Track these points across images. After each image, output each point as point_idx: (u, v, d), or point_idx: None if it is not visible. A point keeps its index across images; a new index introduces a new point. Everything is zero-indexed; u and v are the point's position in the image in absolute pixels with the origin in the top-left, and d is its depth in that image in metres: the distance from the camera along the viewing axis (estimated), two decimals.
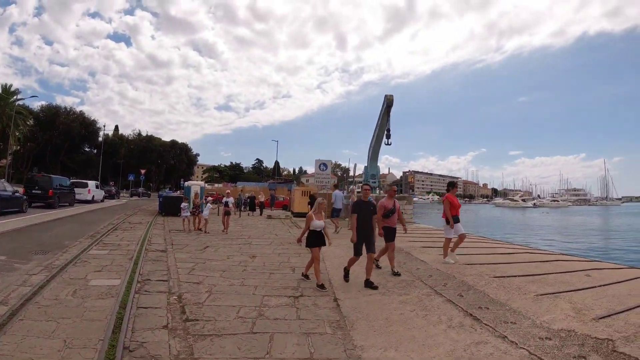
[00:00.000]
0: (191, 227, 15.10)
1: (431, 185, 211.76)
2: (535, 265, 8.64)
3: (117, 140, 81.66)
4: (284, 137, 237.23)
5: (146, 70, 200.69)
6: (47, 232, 12.85)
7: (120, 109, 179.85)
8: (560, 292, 6.09)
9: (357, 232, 6.85)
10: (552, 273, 7.66)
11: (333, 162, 26.84)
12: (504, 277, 7.20)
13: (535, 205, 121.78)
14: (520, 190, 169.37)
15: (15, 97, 50.18)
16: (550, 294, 6.02)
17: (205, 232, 14.41)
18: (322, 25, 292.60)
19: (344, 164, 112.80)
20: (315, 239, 6.87)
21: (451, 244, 8.85)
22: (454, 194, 8.94)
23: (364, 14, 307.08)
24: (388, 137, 24.15)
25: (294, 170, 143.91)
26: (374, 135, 25.88)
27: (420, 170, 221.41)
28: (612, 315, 4.95)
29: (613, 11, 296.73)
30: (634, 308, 5.24)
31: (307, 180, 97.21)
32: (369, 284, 6.71)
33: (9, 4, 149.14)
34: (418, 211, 41.21)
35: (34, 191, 22.06)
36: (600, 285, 6.62)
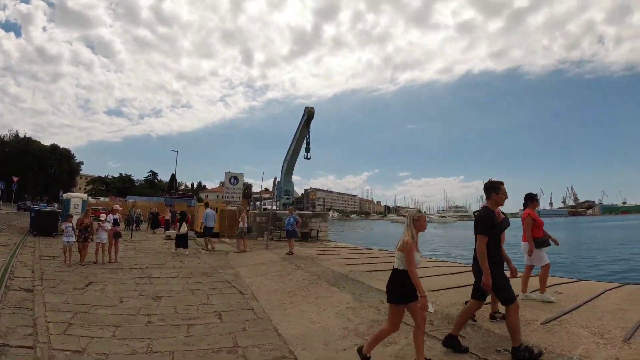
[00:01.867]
0: (71, 259, 10.48)
1: (331, 203, 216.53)
2: None
3: None
4: (182, 149, 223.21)
5: (32, 65, 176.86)
6: None
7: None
8: (560, 317, 5.37)
9: None
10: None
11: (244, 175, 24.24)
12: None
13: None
14: (410, 208, 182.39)
15: None
16: (553, 319, 5.24)
17: (82, 263, 10.30)
18: (230, 38, 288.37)
19: (246, 180, 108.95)
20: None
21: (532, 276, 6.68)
22: (535, 209, 6.55)
23: (271, 34, 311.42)
24: (307, 150, 22.68)
25: (192, 185, 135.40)
26: (290, 148, 24.21)
27: (320, 188, 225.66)
28: (635, 333, 4.56)
29: (498, 53, 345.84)
30: None
31: (207, 196, 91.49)
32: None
33: None
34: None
35: None
36: (585, 302, 6.09)
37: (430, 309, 4.93)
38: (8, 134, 78.48)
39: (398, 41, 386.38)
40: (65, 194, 22.83)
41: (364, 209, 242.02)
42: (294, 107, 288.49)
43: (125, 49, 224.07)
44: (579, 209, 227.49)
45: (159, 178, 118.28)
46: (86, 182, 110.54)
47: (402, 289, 3.78)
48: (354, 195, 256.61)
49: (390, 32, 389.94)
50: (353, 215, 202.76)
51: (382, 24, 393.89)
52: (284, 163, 24.87)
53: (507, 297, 4.09)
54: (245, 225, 15.27)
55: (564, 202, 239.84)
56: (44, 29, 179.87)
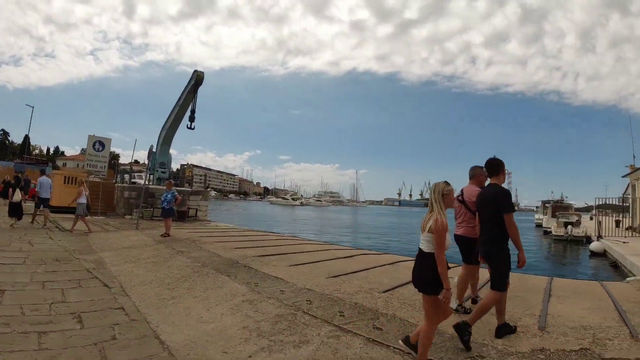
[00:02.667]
0: None
1: (209, 181, 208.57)
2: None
3: None
4: (39, 106, 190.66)
5: None
6: None
7: None
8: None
9: None
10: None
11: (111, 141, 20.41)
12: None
13: (302, 204, 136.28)
14: (289, 190, 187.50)
15: None
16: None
17: None
18: None
19: (113, 149, 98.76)
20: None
21: None
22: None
23: None
24: (192, 119, 20.64)
25: (48, 150, 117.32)
26: (170, 115, 21.81)
27: (198, 165, 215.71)
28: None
29: (382, 56, 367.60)
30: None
31: (65, 164, 79.98)
32: None
33: None
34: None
35: None
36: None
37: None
38: None
39: (294, 26, 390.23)
40: None
41: (243, 189, 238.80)
42: (176, 73, 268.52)
43: None
44: None
45: (10, 139, 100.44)
46: None
47: (436, 275, 3.19)
48: (234, 175, 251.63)
49: (288, 14, 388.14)
50: (231, 195, 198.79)
51: (282, 4, 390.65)
52: (161, 131, 22.39)
53: (503, 284, 4.02)
54: (85, 200, 12.71)
55: (421, 194, 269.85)
56: None
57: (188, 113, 20.74)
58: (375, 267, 8.14)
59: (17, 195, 12.74)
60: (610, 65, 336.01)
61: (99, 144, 18.90)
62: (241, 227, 20.91)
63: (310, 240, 17.24)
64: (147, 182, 24.30)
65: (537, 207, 68.02)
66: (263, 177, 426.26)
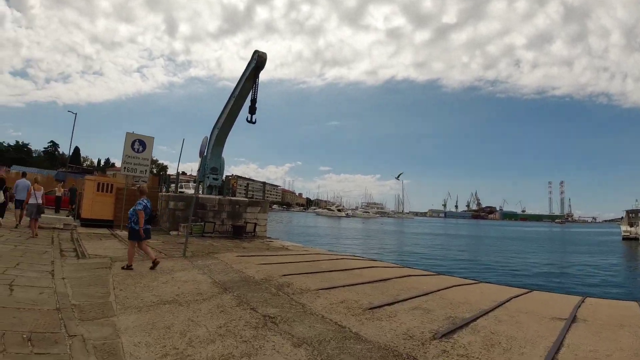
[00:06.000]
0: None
1: (252, 192, 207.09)
2: None
3: None
4: (90, 121, 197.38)
5: None
6: None
7: None
8: None
9: None
10: None
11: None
12: None
13: (348, 215, 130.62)
14: (331, 201, 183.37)
15: None
16: None
17: None
18: (154, 3, 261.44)
19: (160, 160, 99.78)
20: None
21: None
22: None
23: (200, 6, 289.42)
24: (252, 111, 16.55)
25: (99, 162, 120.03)
26: (224, 111, 17.89)
27: (241, 175, 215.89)
28: None
29: (421, 63, 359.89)
30: None
31: (114, 175, 79.71)
32: None
33: None
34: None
35: None
36: None
37: None
38: None
39: (330, 36, 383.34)
40: None
41: (286, 200, 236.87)
42: (218, 88, 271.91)
43: (40, 2, 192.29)
44: (481, 212, 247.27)
45: (60, 150, 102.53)
46: None
47: None
48: (277, 186, 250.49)
49: (323, 25, 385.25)
50: (274, 206, 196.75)
51: (317, 16, 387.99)
52: (213, 130, 18.52)
53: None
54: (36, 201, 11.58)
55: (468, 205, 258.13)
56: None
57: (247, 104, 16.71)
58: None
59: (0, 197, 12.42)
60: None
61: (139, 143, 15.15)
62: (308, 245, 16.56)
63: (435, 272, 12.19)
64: (197, 192, 20.60)
65: (621, 217, 59.07)
66: (304, 188, 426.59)
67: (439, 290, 6.92)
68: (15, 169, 40.44)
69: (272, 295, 5.90)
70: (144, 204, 7.60)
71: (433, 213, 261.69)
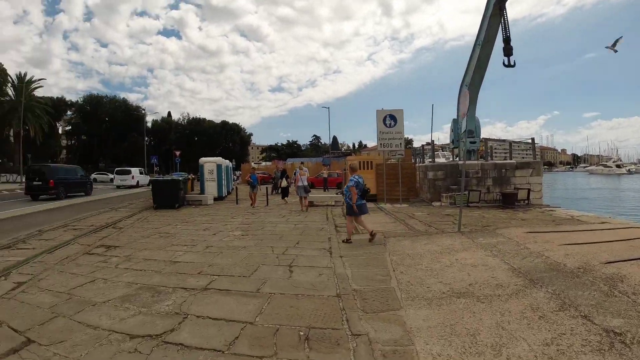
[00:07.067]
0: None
1: (505, 153, 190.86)
2: None
3: (165, 125, 77.77)
4: (339, 113, 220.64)
5: (199, 60, 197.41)
6: None
7: (182, 100, 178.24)
8: None
9: None
10: None
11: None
12: None
13: (630, 172, 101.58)
14: (605, 156, 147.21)
15: (31, 85, 45.20)
16: None
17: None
18: None
19: (405, 135, 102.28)
20: None
21: None
22: None
23: None
24: (507, 52, 14.01)
25: (353, 145, 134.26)
26: (470, 63, 15.91)
27: (489, 137, 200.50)
28: None
29: None
30: None
31: (368, 154, 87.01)
32: None
33: (57, 12, 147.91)
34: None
35: (34, 183, 19.80)
36: None
37: None
38: (181, 117, 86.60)
39: None
40: (200, 159, 19.63)
41: (546, 159, 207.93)
42: (446, 52, 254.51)
43: (273, 30, 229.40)
44: None
45: (322, 141, 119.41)
46: (259, 151, 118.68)
47: None
48: (529, 143, 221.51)
49: None
50: None
51: None
52: (461, 88, 16.70)
53: None
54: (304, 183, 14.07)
55: None
56: (200, 28, 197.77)
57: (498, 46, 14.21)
58: None
59: (284, 182, 17.74)
60: None
61: (390, 117, 14.87)
62: (602, 215, 12.95)
63: None
64: (453, 158, 19.27)
65: None
66: (566, 142, 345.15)
67: None
68: (289, 161, 47.95)
69: (604, 295, 4.04)
70: (355, 180, 7.65)
71: None
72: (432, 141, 22.43)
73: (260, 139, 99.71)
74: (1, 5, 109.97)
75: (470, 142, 16.25)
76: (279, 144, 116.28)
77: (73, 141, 71.27)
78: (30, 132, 43.26)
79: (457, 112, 17.34)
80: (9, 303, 4.52)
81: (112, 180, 36.90)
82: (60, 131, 65.99)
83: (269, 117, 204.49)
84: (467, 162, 15.14)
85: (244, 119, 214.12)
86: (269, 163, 58.90)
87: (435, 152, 30.21)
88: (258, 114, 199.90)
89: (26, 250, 7.58)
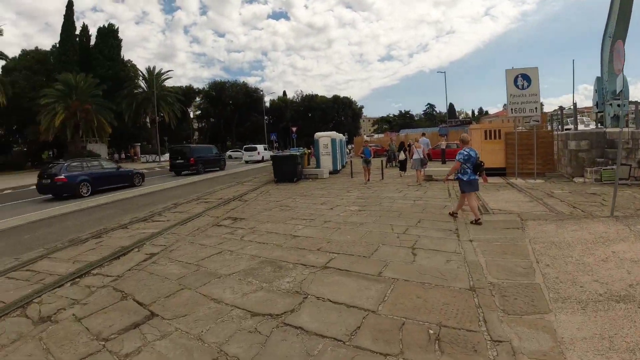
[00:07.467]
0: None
1: None
2: None
3: (281, 104, 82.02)
4: (455, 78, 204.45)
5: (308, 38, 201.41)
6: None
7: (294, 79, 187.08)
8: None
9: None
10: None
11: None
12: None
13: None
14: None
15: (161, 77, 50.77)
16: None
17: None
18: None
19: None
20: None
21: None
22: None
23: None
24: None
25: (473, 113, 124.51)
26: (611, 12, 13.40)
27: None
28: None
29: None
30: None
31: (490, 122, 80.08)
32: None
33: (174, 10, 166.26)
34: None
35: (177, 161, 23.68)
36: None
37: None
38: (295, 95, 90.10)
39: None
40: (315, 134, 20.04)
41: None
42: None
43: None
44: None
45: (437, 110, 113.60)
46: (371, 123, 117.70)
47: None
48: None
49: None
50: None
51: None
52: (604, 41, 14.08)
53: None
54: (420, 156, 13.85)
55: None
56: (306, 6, 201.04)
57: None
58: None
59: (402, 155, 17.23)
60: None
61: (522, 77, 13.09)
62: None
63: None
64: (596, 124, 16.63)
65: None
66: None
67: None
68: (403, 132, 46.41)
69: None
70: (465, 153, 7.02)
71: None
72: (575, 104, 19.51)
73: (371, 111, 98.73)
74: (120, 8, 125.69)
75: (618, 105, 13.67)
76: (391, 115, 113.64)
77: (203, 124, 79.40)
78: (165, 118, 48.70)
79: (601, 69, 14.75)
80: (138, 275, 4.94)
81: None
82: (191, 115, 73.74)
83: (379, 88, 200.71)
84: (615, 129, 12.78)
85: (354, 92, 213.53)
86: (381, 135, 58.02)
87: (582, 117, 26.38)
88: (368, 86, 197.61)
89: (160, 222, 8.43)
